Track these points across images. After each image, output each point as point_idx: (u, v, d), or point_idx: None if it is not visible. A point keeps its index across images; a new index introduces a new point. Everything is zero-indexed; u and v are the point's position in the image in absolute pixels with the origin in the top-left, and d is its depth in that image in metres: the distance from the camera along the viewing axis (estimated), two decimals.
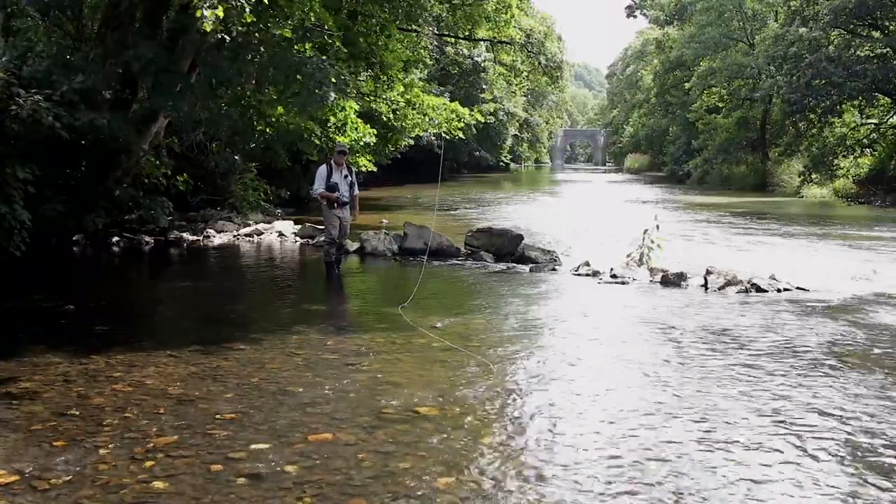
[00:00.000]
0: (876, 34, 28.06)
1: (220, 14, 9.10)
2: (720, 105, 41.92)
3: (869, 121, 29.47)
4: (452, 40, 26.93)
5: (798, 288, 9.09)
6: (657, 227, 10.59)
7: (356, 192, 10.14)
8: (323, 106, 12.98)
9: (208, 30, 9.26)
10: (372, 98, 19.53)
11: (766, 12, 38.74)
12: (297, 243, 13.38)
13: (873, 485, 3.77)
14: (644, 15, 52.95)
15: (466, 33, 20.66)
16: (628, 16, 52.97)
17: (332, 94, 11.83)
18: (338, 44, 13.10)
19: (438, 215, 19.20)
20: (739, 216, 20.59)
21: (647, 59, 62.77)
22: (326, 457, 3.98)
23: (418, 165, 36.82)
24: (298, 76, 11.15)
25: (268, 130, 15.81)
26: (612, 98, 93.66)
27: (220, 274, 10.98)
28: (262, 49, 11.22)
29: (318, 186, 9.76)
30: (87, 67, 10.90)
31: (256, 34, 10.83)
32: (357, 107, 18.20)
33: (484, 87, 40.14)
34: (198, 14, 9.08)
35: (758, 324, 7.32)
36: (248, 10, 9.51)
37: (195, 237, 13.55)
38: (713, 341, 6.61)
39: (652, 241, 10.40)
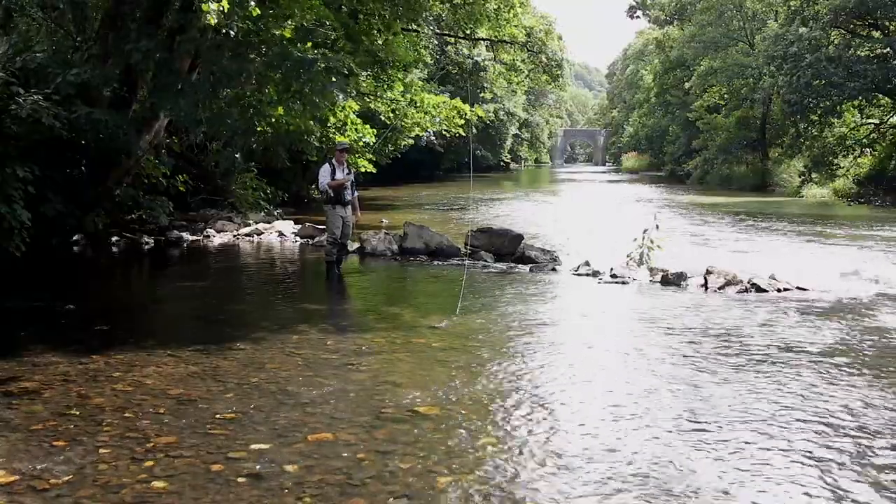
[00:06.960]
0: (876, 34, 28.03)
1: (226, 6, 9.02)
2: (720, 104, 41.91)
3: (869, 121, 29.45)
4: (453, 40, 26.88)
5: (798, 288, 9.08)
6: (657, 226, 10.59)
7: (356, 192, 10.20)
8: (325, 108, 12.94)
9: (213, 23, 9.18)
10: (372, 98, 19.51)
11: (766, 12, 38.73)
12: (297, 243, 13.38)
13: (872, 485, 3.78)
14: (646, 15, 52.79)
15: (467, 32, 20.58)
16: (630, 16, 52.76)
17: (340, 95, 11.81)
18: (340, 43, 13.06)
19: (437, 215, 19.22)
20: (739, 216, 20.58)
21: (647, 59, 62.75)
22: (326, 457, 3.99)
23: (418, 165, 36.88)
24: (301, 76, 11.12)
25: (268, 130, 15.79)
26: (612, 98, 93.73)
27: (221, 274, 10.98)
28: (264, 48, 11.19)
29: (325, 180, 9.81)
30: (86, 65, 10.88)
31: (257, 33, 10.79)
32: (357, 107, 18.18)
33: (485, 86, 40.09)
34: (204, 8, 8.99)
35: (758, 324, 7.32)
36: (252, 2, 9.42)
37: (195, 237, 13.56)
38: (713, 341, 6.61)
39: (652, 241, 10.39)
